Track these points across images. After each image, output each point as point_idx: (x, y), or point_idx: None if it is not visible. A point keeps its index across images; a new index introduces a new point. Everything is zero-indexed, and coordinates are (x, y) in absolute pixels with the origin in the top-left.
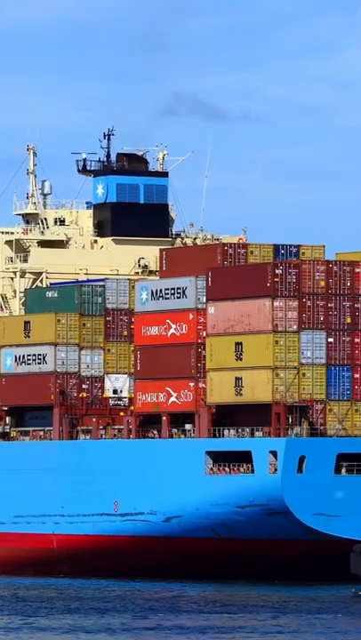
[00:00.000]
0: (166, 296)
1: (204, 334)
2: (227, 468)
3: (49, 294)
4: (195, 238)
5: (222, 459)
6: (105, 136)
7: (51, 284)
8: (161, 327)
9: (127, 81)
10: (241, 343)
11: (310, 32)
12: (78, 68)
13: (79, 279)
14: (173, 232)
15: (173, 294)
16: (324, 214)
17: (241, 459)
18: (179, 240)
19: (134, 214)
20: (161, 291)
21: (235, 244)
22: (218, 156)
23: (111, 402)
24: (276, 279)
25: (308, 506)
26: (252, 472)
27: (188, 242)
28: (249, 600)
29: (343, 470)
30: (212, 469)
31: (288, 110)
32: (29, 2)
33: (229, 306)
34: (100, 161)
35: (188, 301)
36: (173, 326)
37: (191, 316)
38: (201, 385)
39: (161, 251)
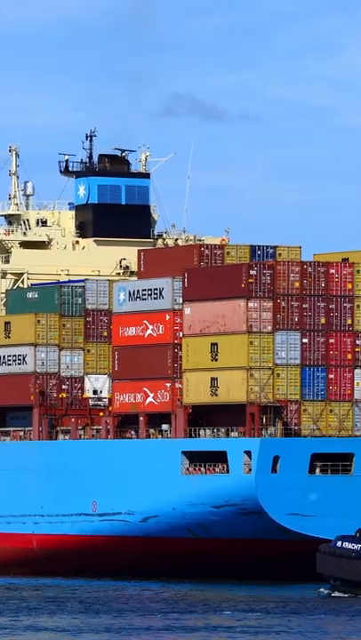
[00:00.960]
0: (143, 297)
1: (181, 335)
2: (202, 468)
3: (29, 295)
4: (176, 239)
5: (198, 459)
6: (87, 137)
7: (32, 284)
8: (138, 328)
9: (125, 81)
10: (216, 344)
11: (310, 32)
12: (76, 68)
13: (60, 280)
14: (155, 233)
15: (150, 295)
16: (322, 214)
17: (216, 459)
18: (160, 241)
19: (116, 215)
20: (138, 291)
21: (211, 245)
22: (216, 157)
23: (91, 402)
24: (250, 280)
25: (282, 505)
26: (227, 472)
27: (170, 243)
28: (225, 599)
29: (317, 470)
30: (188, 469)
31: (288, 110)
32: (29, 2)
33: (205, 306)
34: (82, 162)
35: (164, 302)
36: (150, 327)
37: (168, 317)
38: (177, 385)
39: (139, 252)
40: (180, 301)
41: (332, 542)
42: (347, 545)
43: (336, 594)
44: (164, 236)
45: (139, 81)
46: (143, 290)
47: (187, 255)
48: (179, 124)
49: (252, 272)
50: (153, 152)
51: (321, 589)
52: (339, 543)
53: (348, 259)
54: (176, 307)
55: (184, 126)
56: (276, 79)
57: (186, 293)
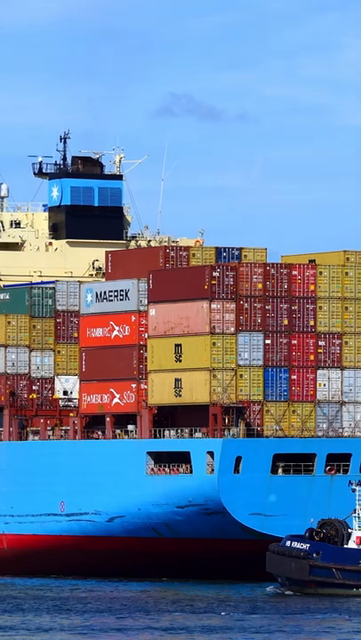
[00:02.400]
0: (110, 298)
1: (146, 336)
2: (167, 469)
3: (0, 296)
4: (149, 241)
5: (163, 459)
6: (61, 139)
7: (4, 285)
8: (105, 329)
9: (122, 81)
10: (180, 345)
11: (308, 32)
12: (69, 68)
13: (33, 281)
14: (129, 234)
15: (117, 296)
16: (299, 215)
17: (180, 459)
18: (133, 242)
19: (89, 217)
20: (105, 293)
21: (177, 246)
22: (214, 157)
23: (61, 403)
24: (213, 282)
25: (244, 506)
26: (191, 472)
27: (143, 244)
28: (186, 599)
29: (280, 470)
30: (152, 470)
31: (285, 110)
32: (28, 2)
33: (169, 308)
34: (56, 164)
35: (130, 303)
36: (117, 328)
37: (133, 318)
38: (143, 386)
39: (107, 253)
40: (146, 303)
41: (282, 542)
42: (296, 544)
43: (285, 593)
44: (138, 237)
45: (136, 81)
46: (110, 291)
47: (152, 257)
48: (176, 125)
49: (214, 274)
50: (151, 152)
51: (269, 588)
52: (288, 543)
53: (314, 260)
54: (141, 308)
55: (181, 127)
56: (275, 79)
57: (151, 295)
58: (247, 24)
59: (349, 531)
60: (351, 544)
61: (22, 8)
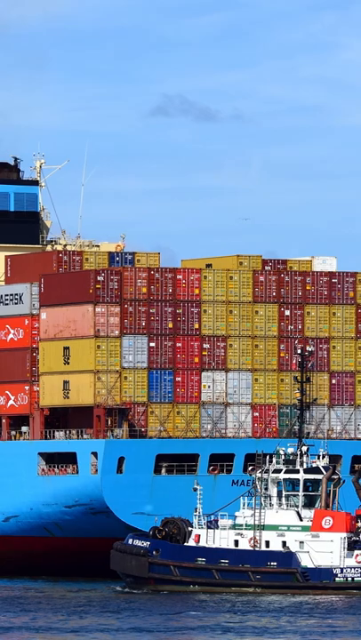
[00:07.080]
0: (6, 302)
1: (38, 339)
2: (56, 469)
3: None
4: (65, 245)
5: (53, 460)
6: None
7: None
8: (1, 332)
9: (118, 81)
10: (68, 348)
11: (304, 31)
12: (68, 67)
13: None
14: (47, 239)
15: (12, 300)
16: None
17: (68, 460)
18: (50, 247)
19: (4, 221)
20: (1, 297)
21: (70, 251)
22: (212, 156)
23: None
24: (98, 286)
25: (127, 505)
26: (77, 473)
27: (60, 249)
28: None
29: (163, 471)
30: (43, 470)
31: (281, 110)
32: (26, 2)
33: (59, 312)
34: None
35: (23, 307)
36: (12, 331)
37: (27, 322)
38: (35, 388)
39: (6, 258)
40: (38, 306)
41: (125, 539)
42: (137, 542)
43: (126, 590)
44: (59, 241)
45: (131, 81)
46: (5, 295)
47: (47, 261)
48: (171, 125)
49: (99, 278)
50: (149, 152)
51: (114, 586)
52: (130, 541)
53: (211, 265)
54: (34, 312)
55: (177, 127)
56: (271, 79)
57: (42, 299)
58: (244, 24)
59: (190, 529)
60: (191, 542)
61: (22, 7)
